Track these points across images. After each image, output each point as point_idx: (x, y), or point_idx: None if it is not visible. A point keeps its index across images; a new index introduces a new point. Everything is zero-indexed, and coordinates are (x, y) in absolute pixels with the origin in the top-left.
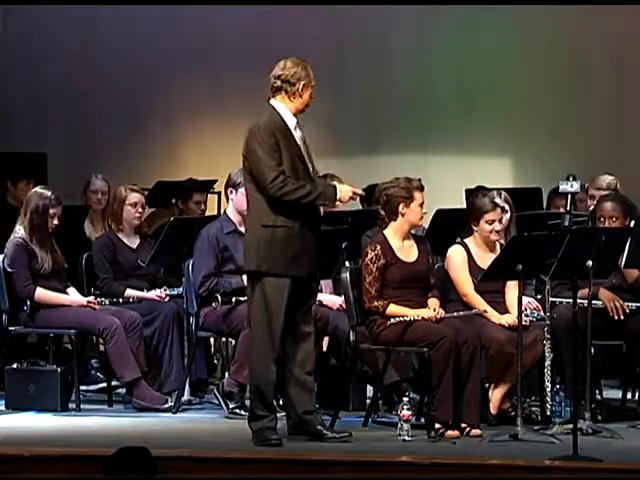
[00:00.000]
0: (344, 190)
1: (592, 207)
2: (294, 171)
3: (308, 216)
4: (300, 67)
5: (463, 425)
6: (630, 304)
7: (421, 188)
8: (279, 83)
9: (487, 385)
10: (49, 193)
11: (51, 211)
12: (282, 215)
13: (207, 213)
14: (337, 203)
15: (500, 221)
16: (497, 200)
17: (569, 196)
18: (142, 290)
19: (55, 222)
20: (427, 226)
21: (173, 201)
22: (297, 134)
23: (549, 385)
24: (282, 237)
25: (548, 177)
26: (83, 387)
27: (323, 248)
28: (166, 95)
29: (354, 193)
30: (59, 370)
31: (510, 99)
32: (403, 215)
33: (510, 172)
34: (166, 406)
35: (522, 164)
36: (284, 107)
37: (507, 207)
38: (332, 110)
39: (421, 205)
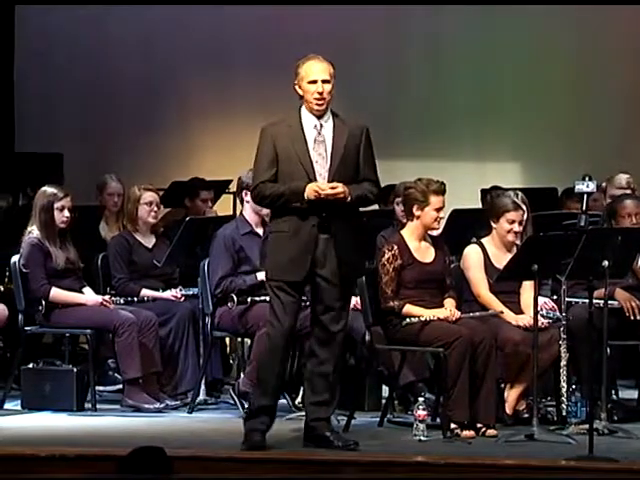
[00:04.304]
0: (309, 188)
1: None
2: (290, 175)
3: (304, 220)
4: (297, 65)
5: (479, 425)
6: None
7: (440, 192)
8: None
9: (503, 385)
10: (52, 189)
11: (57, 205)
12: (279, 220)
13: (222, 213)
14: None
15: (520, 223)
16: (517, 201)
17: (585, 196)
18: (158, 290)
19: (66, 214)
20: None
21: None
22: (314, 135)
23: (565, 385)
24: (279, 242)
25: (562, 178)
26: (100, 387)
27: (353, 249)
28: (181, 95)
29: (319, 188)
30: (75, 370)
31: (525, 101)
32: (418, 217)
33: (525, 174)
34: (152, 407)
35: (536, 166)
36: (304, 108)
37: (525, 208)
38: (346, 112)
39: (438, 209)
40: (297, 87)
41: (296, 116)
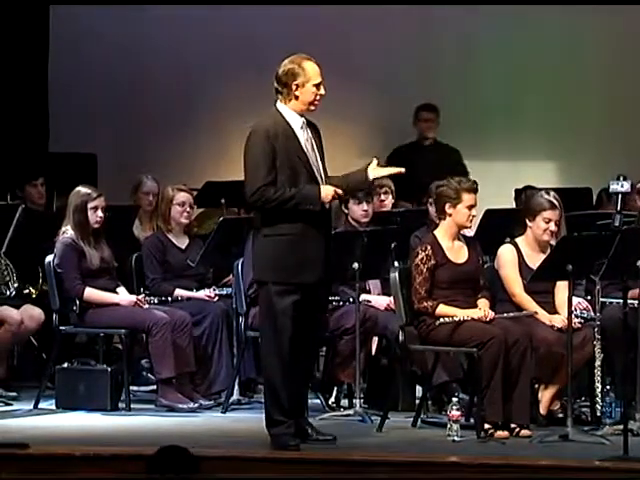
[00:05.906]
0: (325, 191)
1: None
2: (294, 175)
3: (311, 222)
4: (295, 65)
5: (513, 426)
6: None
7: (472, 190)
8: (276, 84)
9: (537, 386)
10: (86, 190)
11: (90, 205)
12: (283, 224)
13: None
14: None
15: (556, 223)
16: (554, 200)
17: (619, 196)
18: (191, 290)
19: (100, 214)
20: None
21: (222, 201)
22: (303, 135)
23: (599, 386)
24: (285, 246)
25: (596, 178)
26: (134, 387)
27: (332, 253)
28: (214, 95)
29: (336, 192)
30: (109, 370)
31: (559, 100)
32: (450, 215)
33: (559, 174)
34: (186, 407)
35: (570, 165)
36: (286, 107)
37: (560, 207)
38: (380, 111)
39: (470, 207)
40: (294, 87)
41: (278, 115)
